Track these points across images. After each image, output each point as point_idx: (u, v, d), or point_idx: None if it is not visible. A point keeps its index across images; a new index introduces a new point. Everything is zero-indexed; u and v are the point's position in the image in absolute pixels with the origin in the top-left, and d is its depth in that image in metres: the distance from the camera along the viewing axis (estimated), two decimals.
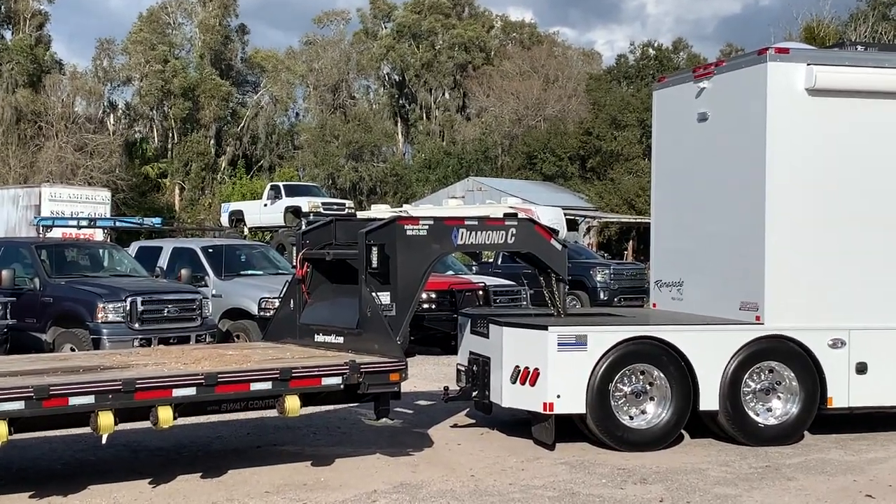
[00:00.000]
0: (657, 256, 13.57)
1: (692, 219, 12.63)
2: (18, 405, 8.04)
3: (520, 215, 11.61)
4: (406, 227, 10.62)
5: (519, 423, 11.69)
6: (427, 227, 10.76)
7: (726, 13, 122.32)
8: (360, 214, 29.50)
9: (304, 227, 24.99)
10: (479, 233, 11.12)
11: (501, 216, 11.42)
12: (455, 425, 12.23)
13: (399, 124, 75.56)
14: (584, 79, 70.51)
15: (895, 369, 11.44)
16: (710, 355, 11.04)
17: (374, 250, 10.27)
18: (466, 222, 11.14)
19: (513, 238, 11.32)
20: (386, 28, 76.09)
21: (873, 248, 11.46)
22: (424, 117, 74.94)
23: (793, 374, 11.30)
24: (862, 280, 11.40)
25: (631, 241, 53.53)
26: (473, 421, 12.39)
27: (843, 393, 11.37)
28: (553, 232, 11.95)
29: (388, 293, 10.44)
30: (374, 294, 10.30)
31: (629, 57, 71.15)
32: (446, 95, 74.60)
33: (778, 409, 11.35)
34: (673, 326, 11.26)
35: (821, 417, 11.51)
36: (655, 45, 70.70)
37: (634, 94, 62.08)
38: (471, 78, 71.52)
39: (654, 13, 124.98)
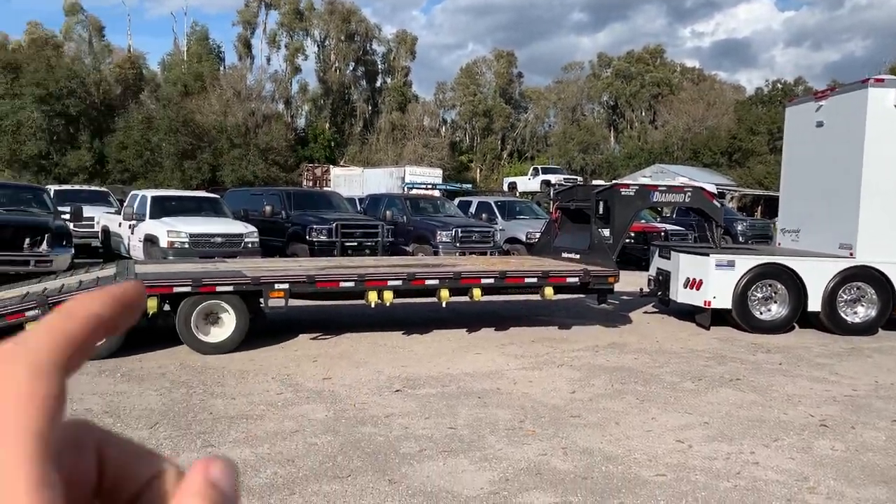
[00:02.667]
0: (783, 213, 12.45)
1: (810, 190, 11.56)
2: (398, 282, 8.53)
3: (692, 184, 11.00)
4: (621, 189, 10.35)
5: (686, 313, 11.23)
6: (635, 190, 10.45)
7: (830, 60, 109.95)
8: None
9: (552, 192, 24.69)
10: (667, 194, 10.70)
11: (681, 185, 10.89)
12: (645, 312, 11.91)
13: (612, 131, 73.18)
14: (733, 103, 65.64)
15: None
16: (816, 276, 10.20)
17: (601, 203, 10.11)
18: (660, 188, 10.74)
19: (688, 198, 10.82)
20: (606, 72, 73.70)
21: None
22: (628, 128, 72.30)
23: (873, 291, 10.31)
24: None
25: (760, 207, 49.73)
26: (657, 311, 12.02)
27: None
28: (714, 195, 11.30)
29: (608, 230, 10.28)
30: (599, 230, 10.17)
31: (763, 89, 65.59)
32: (643, 114, 71.60)
33: (861, 312, 10.37)
34: (794, 257, 10.45)
35: (891, 320, 10.45)
36: (782, 81, 64.79)
37: (765, 113, 57.22)
38: (659, 103, 68.32)
39: (780, 62, 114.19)
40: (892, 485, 4.68)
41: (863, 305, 10.38)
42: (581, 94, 72.88)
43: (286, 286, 8.11)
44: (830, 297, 10.19)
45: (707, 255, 10.19)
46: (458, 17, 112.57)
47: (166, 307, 7.93)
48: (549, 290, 9.25)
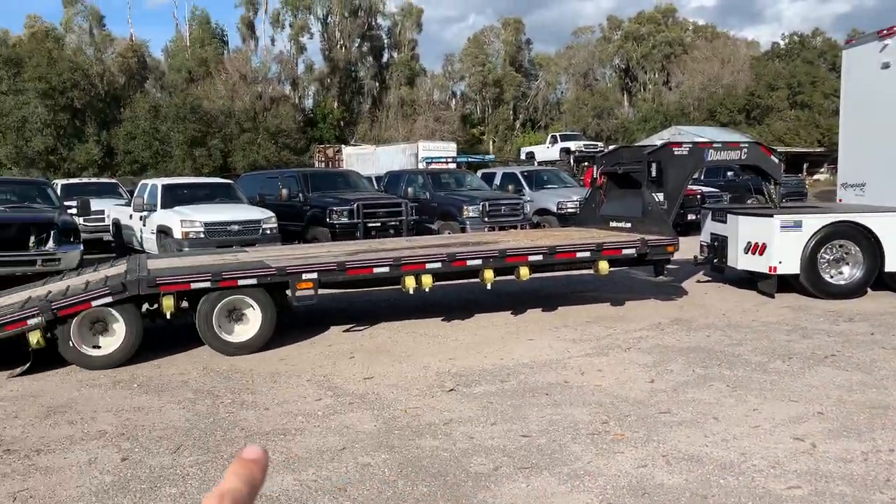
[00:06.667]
0: (844, 166, 11.34)
1: (876, 139, 10.46)
2: (437, 265, 7.66)
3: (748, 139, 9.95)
4: (674, 149, 9.38)
5: (742, 281, 10.32)
6: (688, 149, 9.47)
7: (839, 12, 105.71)
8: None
9: (571, 161, 23.44)
10: (722, 152, 9.69)
11: (738, 140, 9.86)
12: (699, 281, 10.97)
13: (625, 95, 71.43)
14: (748, 60, 63.77)
15: None
16: (894, 232, 9.21)
17: (653, 165, 9.14)
18: (714, 145, 9.74)
19: (745, 155, 9.81)
20: (616, 35, 71.80)
21: None
22: (642, 90, 70.52)
23: None
24: None
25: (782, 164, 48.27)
26: (710, 279, 11.09)
27: None
28: (773, 151, 10.24)
29: (661, 194, 9.31)
30: (653, 195, 9.21)
31: (780, 43, 63.75)
32: (656, 76, 69.72)
33: None
34: (867, 213, 9.41)
35: None
36: (799, 34, 62.93)
37: (784, 67, 55.66)
38: (672, 63, 66.52)
39: (788, 15, 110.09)
40: None
41: None
42: (592, 59, 71.23)
43: (315, 276, 7.27)
44: None
45: (771, 216, 9.23)
46: None
47: (184, 303, 7.12)
48: (603, 265, 8.34)
